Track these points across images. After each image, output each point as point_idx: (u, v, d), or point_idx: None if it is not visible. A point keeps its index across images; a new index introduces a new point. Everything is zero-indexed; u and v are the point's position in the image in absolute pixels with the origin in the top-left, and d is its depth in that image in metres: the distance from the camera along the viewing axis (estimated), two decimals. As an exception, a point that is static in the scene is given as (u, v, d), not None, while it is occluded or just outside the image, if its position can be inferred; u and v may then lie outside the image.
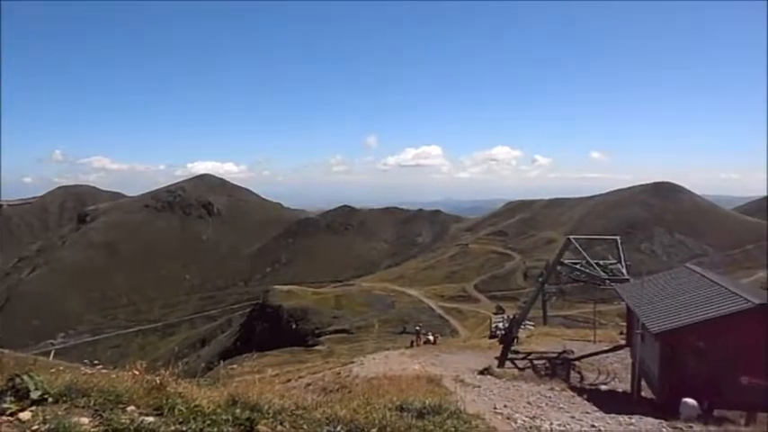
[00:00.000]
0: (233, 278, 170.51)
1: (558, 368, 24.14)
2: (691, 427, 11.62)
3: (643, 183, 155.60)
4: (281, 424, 4.93)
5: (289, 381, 21.36)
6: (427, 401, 6.65)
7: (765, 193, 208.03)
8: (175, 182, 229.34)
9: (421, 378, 14.03)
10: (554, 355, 26.41)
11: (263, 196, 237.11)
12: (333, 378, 19.39)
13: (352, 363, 27.41)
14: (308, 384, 19.35)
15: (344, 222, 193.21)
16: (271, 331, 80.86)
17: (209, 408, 4.79)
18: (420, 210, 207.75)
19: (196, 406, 4.77)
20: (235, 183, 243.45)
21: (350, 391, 14.66)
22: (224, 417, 4.66)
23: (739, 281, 56.59)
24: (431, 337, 37.74)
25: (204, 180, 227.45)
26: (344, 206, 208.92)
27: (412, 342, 38.08)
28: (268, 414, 5.00)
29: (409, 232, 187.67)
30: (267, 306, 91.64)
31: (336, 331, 74.65)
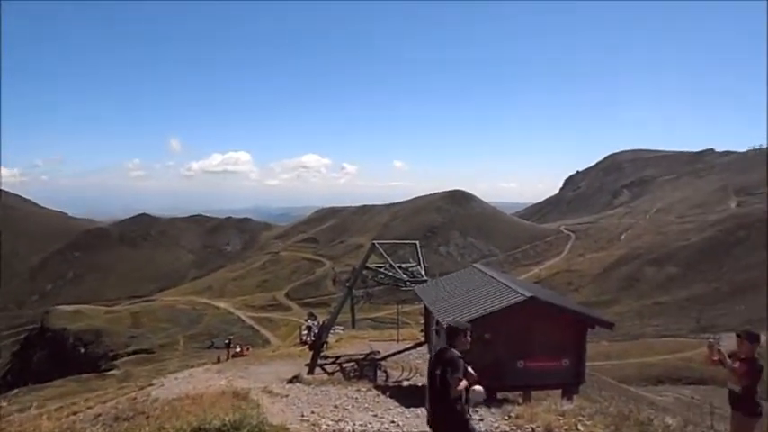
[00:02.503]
0: (2, 300, 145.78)
1: (366, 369, 25.02)
2: (477, 410, 12.94)
3: (440, 191, 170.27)
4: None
5: (75, 413, 18.84)
6: (227, 418, 6.35)
7: (539, 200, 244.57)
8: None
9: (227, 393, 13.40)
10: (361, 356, 27.34)
11: (42, 204, 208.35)
12: (128, 404, 17.52)
13: (152, 385, 25.25)
14: (98, 415, 17.22)
15: (142, 232, 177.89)
16: (52, 359, 71.03)
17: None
18: (228, 218, 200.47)
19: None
20: (4, 189, 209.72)
21: (147, 417, 13.41)
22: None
23: (518, 277, 65.01)
24: (238, 349, 36.66)
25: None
26: (142, 215, 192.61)
27: (218, 357, 36.56)
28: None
29: (216, 241, 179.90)
30: (48, 330, 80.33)
31: (135, 352, 68.58)
